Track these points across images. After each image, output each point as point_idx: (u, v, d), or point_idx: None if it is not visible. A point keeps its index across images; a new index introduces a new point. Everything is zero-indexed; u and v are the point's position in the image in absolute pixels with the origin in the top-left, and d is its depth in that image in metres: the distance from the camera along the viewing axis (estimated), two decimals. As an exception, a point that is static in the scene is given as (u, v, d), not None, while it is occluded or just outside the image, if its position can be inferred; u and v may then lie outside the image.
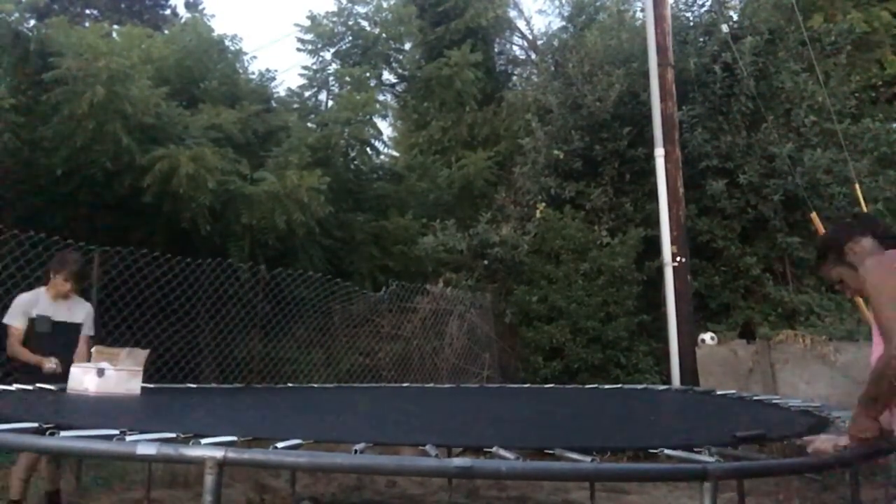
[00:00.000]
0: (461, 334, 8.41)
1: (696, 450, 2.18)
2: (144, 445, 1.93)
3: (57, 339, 4.25)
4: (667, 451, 2.20)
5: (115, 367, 3.79)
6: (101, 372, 3.71)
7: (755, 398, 4.16)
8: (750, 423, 2.84)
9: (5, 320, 4.26)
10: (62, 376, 3.97)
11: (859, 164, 7.98)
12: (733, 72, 8.47)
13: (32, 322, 4.23)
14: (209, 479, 1.82)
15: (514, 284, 8.53)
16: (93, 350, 4.05)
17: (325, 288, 7.52)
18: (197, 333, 6.62)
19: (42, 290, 4.38)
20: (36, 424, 2.30)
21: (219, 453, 1.84)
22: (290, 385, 6.06)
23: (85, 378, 3.74)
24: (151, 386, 4.54)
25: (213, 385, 5.76)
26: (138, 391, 3.90)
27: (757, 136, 8.37)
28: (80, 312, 4.45)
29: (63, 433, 2.14)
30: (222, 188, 7.16)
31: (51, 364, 4.09)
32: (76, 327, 4.40)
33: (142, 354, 4.05)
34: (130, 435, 2.19)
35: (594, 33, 9.88)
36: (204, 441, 2.07)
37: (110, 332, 5.77)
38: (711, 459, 2.04)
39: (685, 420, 3.76)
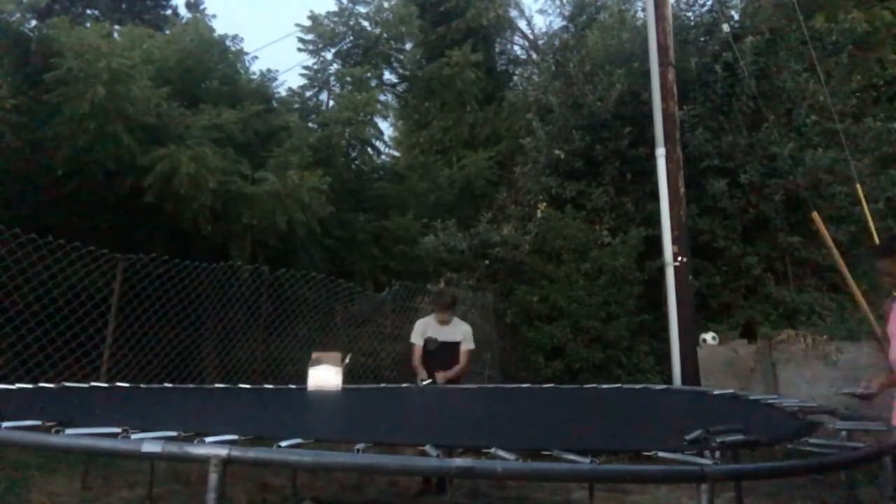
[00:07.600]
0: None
1: (689, 452, 2.18)
2: (149, 443, 1.95)
3: (443, 355, 5.44)
4: (665, 454, 2.19)
5: (338, 367, 4.65)
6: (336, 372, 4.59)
7: (751, 398, 4.15)
8: (746, 425, 2.83)
9: (411, 339, 5.58)
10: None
11: (861, 163, 7.97)
12: (734, 71, 8.47)
13: (424, 341, 5.49)
14: (213, 477, 1.83)
15: (515, 284, 8.52)
16: (314, 354, 4.75)
17: (329, 289, 7.52)
18: (200, 334, 6.62)
19: (433, 316, 5.56)
20: (40, 422, 2.31)
21: (223, 451, 1.86)
22: (290, 386, 6.05)
23: (329, 378, 4.57)
24: (151, 386, 4.56)
25: (208, 385, 5.75)
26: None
27: (758, 136, 8.36)
28: (458, 332, 5.54)
29: (68, 431, 2.15)
30: (223, 188, 7.16)
31: (423, 376, 5.34)
32: (456, 345, 5.52)
33: (338, 357, 4.79)
34: (133, 433, 2.20)
35: (595, 33, 9.87)
36: (208, 440, 2.08)
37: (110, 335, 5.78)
38: (709, 461, 2.05)
39: (683, 420, 3.75)
